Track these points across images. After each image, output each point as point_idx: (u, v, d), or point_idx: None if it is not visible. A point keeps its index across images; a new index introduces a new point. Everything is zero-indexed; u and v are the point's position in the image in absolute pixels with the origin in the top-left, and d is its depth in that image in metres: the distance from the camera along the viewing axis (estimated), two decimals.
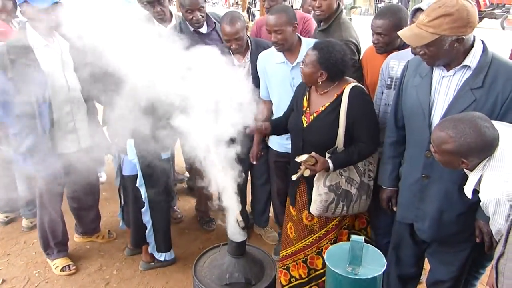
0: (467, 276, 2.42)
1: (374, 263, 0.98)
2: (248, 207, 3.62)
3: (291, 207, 2.60)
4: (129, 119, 2.41)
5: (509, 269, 1.31)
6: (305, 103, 2.38)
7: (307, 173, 2.18)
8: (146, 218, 2.92)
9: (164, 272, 3.14)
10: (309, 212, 2.43)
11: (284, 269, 2.70)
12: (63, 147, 2.85)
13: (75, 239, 3.47)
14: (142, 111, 2.35)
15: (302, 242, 2.55)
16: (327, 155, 2.22)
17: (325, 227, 2.47)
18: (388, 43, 2.47)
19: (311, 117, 2.33)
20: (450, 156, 1.65)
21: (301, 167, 2.19)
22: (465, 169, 1.71)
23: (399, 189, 2.27)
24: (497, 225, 1.64)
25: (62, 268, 3.11)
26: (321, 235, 2.47)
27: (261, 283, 1.98)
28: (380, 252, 1.03)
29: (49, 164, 2.72)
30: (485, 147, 1.58)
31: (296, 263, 2.65)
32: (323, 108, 2.30)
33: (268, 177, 3.27)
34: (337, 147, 2.27)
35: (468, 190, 1.70)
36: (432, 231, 2.10)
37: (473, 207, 1.98)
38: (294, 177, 2.21)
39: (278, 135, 2.73)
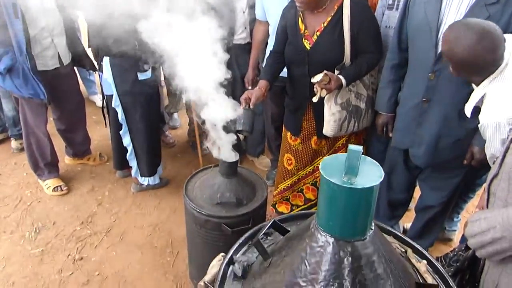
0: (457, 199, 2.45)
1: (371, 174, 0.93)
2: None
3: (290, 137, 2.54)
4: (105, 33, 2.24)
5: (502, 189, 1.28)
6: (301, 26, 2.22)
7: (324, 93, 2.11)
8: (126, 141, 2.87)
9: (156, 193, 3.16)
10: (319, 137, 2.40)
11: (284, 200, 2.72)
12: (43, 64, 2.71)
13: (66, 161, 3.45)
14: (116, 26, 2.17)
15: (309, 167, 2.54)
16: (336, 71, 2.14)
17: (333, 147, 2.48)
18: None
19: (314, 37, 2.19)
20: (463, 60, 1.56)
21: (316, 88, 2.11)
22: (473, 84, 1.62)
23: (397, 114, 2.21)
24: (492, 148, 1.59)
25: (54, 188, 3.11)
26: (330, 155, 2.48)
27: (253, 203, 1.98)
28: (378, 164, 0.97)
29: (29, 83, 2.59)
30: (499, 41, 1.49)
31: (297, 193, 2.66)
32: (325, 25, 2.16)
33: (263, 106, 3.18)
34: (344, 62, 2.18)
35: (468, 107, 1.63)
36: (427, 157, 2.08)
37: (470, 134, 1.94)
38: (315, 99, 2.13)
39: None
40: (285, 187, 2.67)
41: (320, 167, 0.96)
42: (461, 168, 2.08)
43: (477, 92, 1.58)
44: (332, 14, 2.14)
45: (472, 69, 1.56)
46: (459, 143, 1.99)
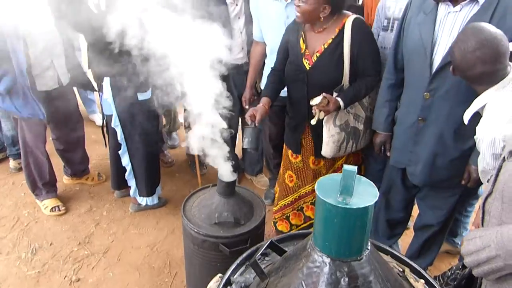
0: (457, 215, 2.46)
1: (366, 194, 0.94)
2: (239, 151, 3.58)
3: (291, 155, 2.55)
4: (105, 54, 2.27)
5: (496, 208, 1.29)
6: (302, 45, 2.24)
7: (322, 115, 2.13)
8: (125, 160, 2.87)
9: (155, 213, 3.15)
10: (316, 157, 2.40)
11: (284, 218, 2.71)
12: (42, 85, 2.73)
13: (64, 180, 3.44)
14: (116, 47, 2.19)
15: (309, 187, 2.55)
16: (335, 94, 2.15)
17: (332, 167, 2.48)
18: None
19: (314, 58, 2.21)
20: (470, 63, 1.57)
21: (314, 110, 2.13)
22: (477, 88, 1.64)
23: (394, 134, 2.22)
24: (484, 161, 1.61)
25: (52, 208, 3.10)
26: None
27: (251, 223, 1.97)
28: (373, 184, 0.98)
29: (28, 104, 2.62)
30: (499, 55, 1.52)
31: (297, 211, 2.65)
32: (325, 46, 2.18)
33: (261, 124, 3.20)
34: (343, 85, 2.19)
35: (467, 115, 1.65)
36: (424, 176, 2.08)
37: (466, 153, 1.95)
38: (313, 121, 2.16)
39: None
40: (286, 204, 2.66)
41: (315, 187, 0.97)
42: (459, 187, 2.08)
43: (478, 101, 1.60)
44: (333, 37, 2.16)
45: (465, 74, 1.59)
46: (456, 163, 2.00)
